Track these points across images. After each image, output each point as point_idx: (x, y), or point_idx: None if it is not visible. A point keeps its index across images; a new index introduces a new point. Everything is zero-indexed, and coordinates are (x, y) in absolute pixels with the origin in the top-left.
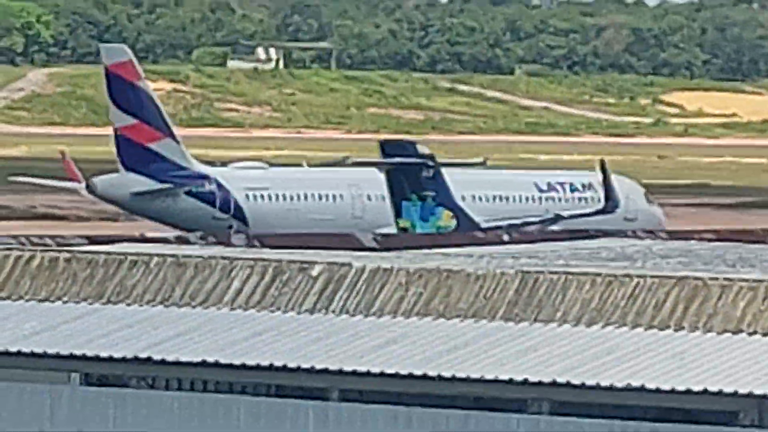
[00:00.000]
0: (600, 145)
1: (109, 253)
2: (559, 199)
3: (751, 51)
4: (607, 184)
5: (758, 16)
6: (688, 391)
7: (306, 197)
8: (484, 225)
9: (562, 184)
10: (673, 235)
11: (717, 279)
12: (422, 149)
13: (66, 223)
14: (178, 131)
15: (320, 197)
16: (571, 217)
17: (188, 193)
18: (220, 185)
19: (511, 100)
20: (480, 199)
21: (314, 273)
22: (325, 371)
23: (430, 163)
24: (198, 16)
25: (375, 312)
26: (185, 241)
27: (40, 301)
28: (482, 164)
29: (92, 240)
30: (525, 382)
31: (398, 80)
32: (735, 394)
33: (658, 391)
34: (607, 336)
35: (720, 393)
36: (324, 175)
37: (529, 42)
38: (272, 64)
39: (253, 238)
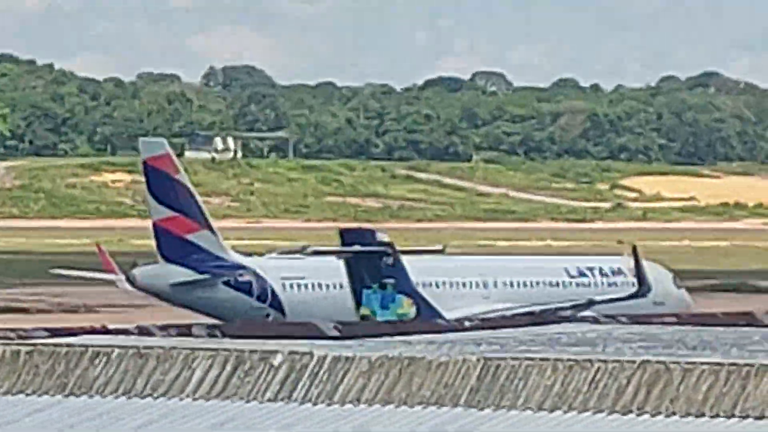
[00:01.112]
0: (559, 231)
1: (70, 345)
2: (590, 284)
3: (707, 134)
4: (639, 268)
5: (714, 99)
6: None
7: (341, 286)
8: (514, 312)
9: (591, 269)
10: (634, 320)
11: (678, 363)
12: (381, 237)
13: (27, 315)
14: (214, 223)
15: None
16: (604, 301)
17: (226, 284)
18: (257, 275)
19: (468, 186)
20: (511, 285)
21: (276, 362)
22: None
23: (389, 251)
24: (155, 107)
25: (337, 400)
26: (147, 332)
27: (2, 394)
28: (441, 252)
29: (53, 332)
30: None
31: (356, 169)
32: None
33: None
34: (569, 421)
35: None
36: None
37: (486, 129)
38: (230, 154)
39: (214, 329)
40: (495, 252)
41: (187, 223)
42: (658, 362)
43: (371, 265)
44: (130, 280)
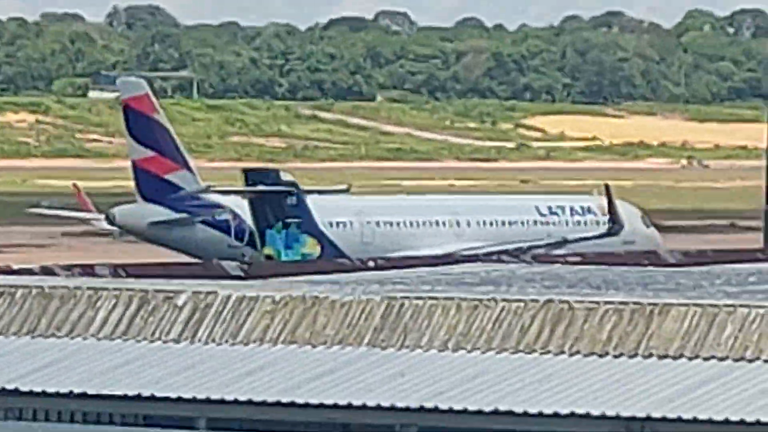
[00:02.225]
0: (462, 170)
1: None
2: (560, 222)
3: (611, 74)
4: (611, 207)
5: (618, 39)
6: (555, 415)
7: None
8: (488, 250)
9: (562, 207)
10: (538, 259)
11: (582, 302)
12: (285, 177)
13: None
14: (191, 161)
15: (330, 224)
16: (577, 240)
17: (204, 223)
18: (234, 214)
19: (372, 126)
20: (484, 224)
21: (180, 302)
22: (192, 400)
23: (294, 190)
24: (58, 47)
25: (241, 340)
26: (50, 272)
27: None
28: (346, 191)
29: None
30: (392, 408)
31: (260, 108)
32: (602, 416)
33: (525, 414)
34: (473, 360)
35: (587, 416)
36: (333, 204)
37: (390, 68)
38: None
39: (118, 268)
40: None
41: (165, 163)
42: (561, 301)
43: (275, 205)
44: (109, 219)
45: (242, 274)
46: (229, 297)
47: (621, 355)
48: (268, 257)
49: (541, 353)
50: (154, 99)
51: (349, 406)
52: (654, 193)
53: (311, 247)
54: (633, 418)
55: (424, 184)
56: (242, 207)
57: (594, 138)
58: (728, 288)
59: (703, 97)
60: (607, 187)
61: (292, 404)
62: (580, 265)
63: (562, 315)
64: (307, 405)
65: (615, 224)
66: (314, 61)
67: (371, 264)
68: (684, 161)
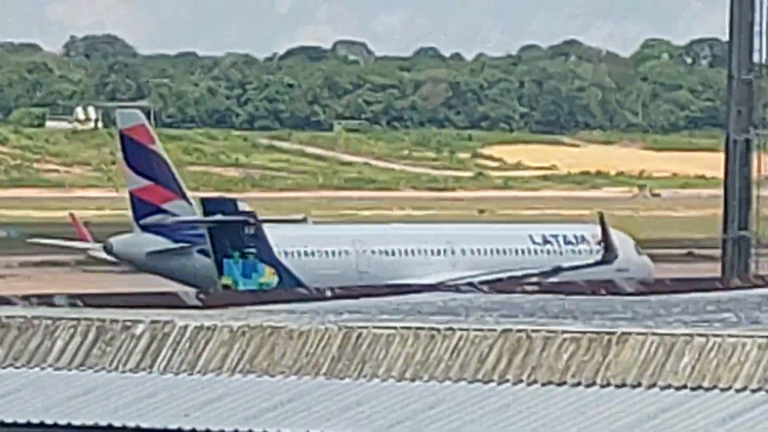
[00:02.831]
0: (420, 200)
1: None
2: (554, 251)
3: (568, 103)
4: (605, 236)
5: (575, 68)
6: None
7: (312, 254)
8: (483, 278)
9: (555, 236)
10: (496, 288)
11: (540, 331)
12: (243, 206)
13: None
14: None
15: (326, 253)
16: (571, 268)
17: (201, 252)
18: None
19: (330, 156)
20: (478, 252)
21: (137, 331)
22: (151, 430)
23: (251, 220)
24: (15, 77)
25: (199, 370)
26: (7, 302)
27: None
28: (303, 221)
29: None
30: None
31: (217, 138)
32: None
33: None
34: (430, 390)
35: None
36: (329, 233)
37: (348, 98)
38: (91, 124)
39: (75, 298)
40: (358, 220)
41: (162, 193)
42: (519, 330)
43: (233, 235)
44: (107, 249)
45: (200, 303)
46: (186, 326)
47: (579, 384)
48: (226, 287)
49: (499, 382)
50: (151, 129)
51: None
52: (611, 223)
53: (269, 277)
54: None
55: (381, 213)
56: None
57: (551, 167)
58: (686, 317)
59: (661, 126)
60: (601, 216)
61: None
62: (538, 294)
63: (520, 344)
64: None
65: (609, 252)
66: (272, 91)
67: (329, 293)
68: (635, 190)
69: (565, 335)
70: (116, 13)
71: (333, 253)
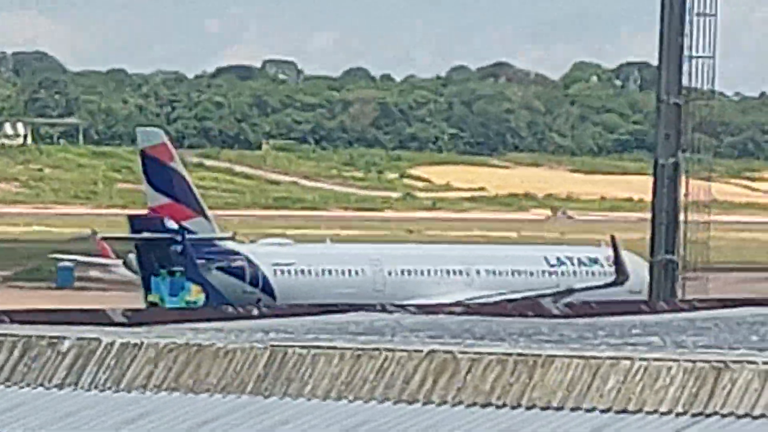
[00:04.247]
0: (348, 219)
1: None
2: (568, 273)
3: (497, 125)
4: (617, 258)
5: (504, 90)
6: None
7: (330, 272)
8: (497, 299)
9: (570, 258)
10: (422, 309)
11: (466, 352)
12: (171, 224)
13: None
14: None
15: (343, 272)
16: (583, 289)
17: (220, 269)
18: (249, 261)
19: (259, 174)
20: (494, 273)
21: (63, 348)
22: None
23: (179, 238)
24: None
25: (124, 387)
26: None
27: None
28: (231, 239)
29: None
30: None
31: None
32: None
33: None
34: (355, 410)
35: None
36: (346, 251)
37: (277, 117)
38: (20, 140)
39: (1, 314)
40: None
41: (182, 210)
42: (445, 351)
43: (160, 252)
44: (127, 266)
45: (126, 320)
46: (112, 343)
47: (504, 405)
48: (153, 304)
49: (424, 403)
50: (171, 148)
51: None
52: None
53: (196, 295)
54: None
55: (309, 233)
56: (257, 254)
57: (480, 188)
58: (612, 340)
59: (589, 149)
60: (613, 238)
61: None
62: (464, 315)
63: (446, 365)
64: None
65: (620, 274)
66: (201, 109)
67: (255, 312)
68: (549, 212)
69: (491, 357)
70: (46, 29)
71: (350, 272)
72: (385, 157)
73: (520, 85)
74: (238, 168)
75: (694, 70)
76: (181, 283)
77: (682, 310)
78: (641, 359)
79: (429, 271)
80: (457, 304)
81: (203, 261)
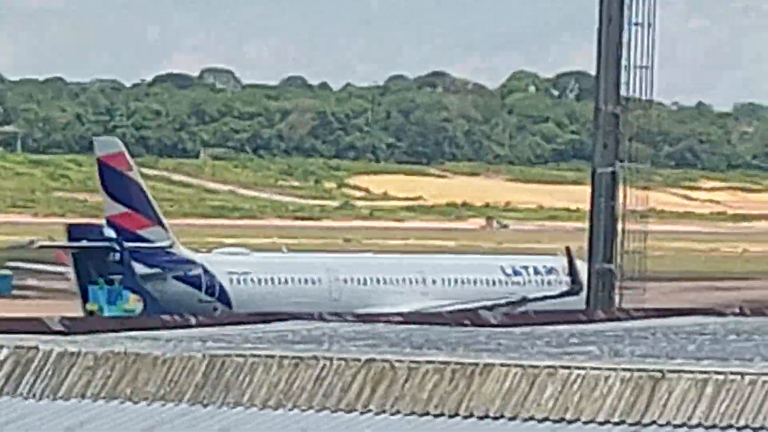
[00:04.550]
0: (286, 228)
1: None
2: (524, 282)
3: (435, 134)
4: (572, 268)
5: (442, 99)
6: None
7: (286, 281)
8: (452, 308)
9: (526, 267)
10: (361, 318)
11: (404, 361)
12: (108, 233)
13: None
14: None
15: (299, 281)
16: (538, 298)
17: (176, 278)
18: (205, 270)
19: (196, 183)
20: (449, 282)
21: (1, 357)
22: None
23: (117, 246)
24: None
25: (62, 396)
26: None
27: None
28: (169, 248)
29: None
30: None
31: (84, 164)
32: None
33: None
34: (294, 419)
35: None
36: (302, 260)
37: (214, 125)
38: None
39: None
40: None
41: (139, 219)
42: (383, 360)
43: (98, 261)
44: None
45: (64, 329)
46: (50, 352)
47: (442, 414)
48: (91, 313)
49: (362, 412)
50: (128, 157)
51: None
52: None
53: (133, 303)
54: None
55: (246, 242)
56: (213, 263)
57: (418, 197)
58: (549, 349)
59: (527, 158)
60: (567, 248)
61: None
62: (402, 324)
63: (384, 374)
64: None
65: (575, 284)
66: (139, 118)
67: (193, 321)
68: (482, 222)
69: (429, 365)
70: None
71: (306, 281)
72: (323, 167)
73: (457, 94)
74: (175, 177)
75: (631, 79)
76: (118, 292)
77: (620, 319)
78: (579, 368)
79: (385, 280)
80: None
81: (159, 270)
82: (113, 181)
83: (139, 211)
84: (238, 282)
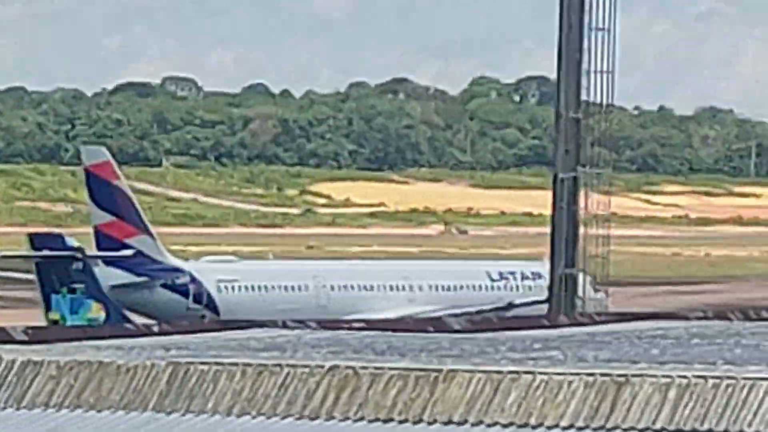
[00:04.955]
0: (249, 236)
1: None
2: (510, 287)
3: (397, 140)
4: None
5: (404, 105)
6: None
7: (273, 288)
8: (439, 314)
9: (512, 273)
10: (324, 324)
11: (367, 368)
12: (71, 242)
13: None
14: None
15: (286, 288)
16: (524, 304)
17: (164, 286)
18: (193, 278)
19: (159, 191)
20: (436, 288)
21: None
22: None
23: (79, 255)
24: None
25: (26, 405)
26: None
27: None
28: (132, 257)
29: None
30: None
31: (46, 173)
32: None
33: None
34: (258, 426)
35: None
36: (290, 267)
37: (177, 134)
38: None
39: None
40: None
41: (126, 228)
42: (347, 367)
43: (61, 270)
44: None
45: (27, 338)
46: (14, 361)
47: (406, 420)
48: (54, 322)
49: (326, 419)
50: (115, 166)
51: None
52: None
53: (96, 312)
54: None
55: (209, 249)
56: (200, 271)
57: (380, 204)
58: (513, 354)
59: (489, 164)
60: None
61: None
62: (365, 330)
63: (348, 381)
64: None
65: None
66: (100, 126)
67: (156, 329)
68: (441, 227)
69: (393, 372)
70: None
71: (293, 288)
72: (285, 174)
73: (419, 100)
74: (138, 185)
75: (592, 84)
76: (81, 301)
77: (583, 324)
78: (542, 373)
79: (372, 287)
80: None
81: (147, 278)
82: (100, 190)
83: (126, 219)
84: (226, 289)
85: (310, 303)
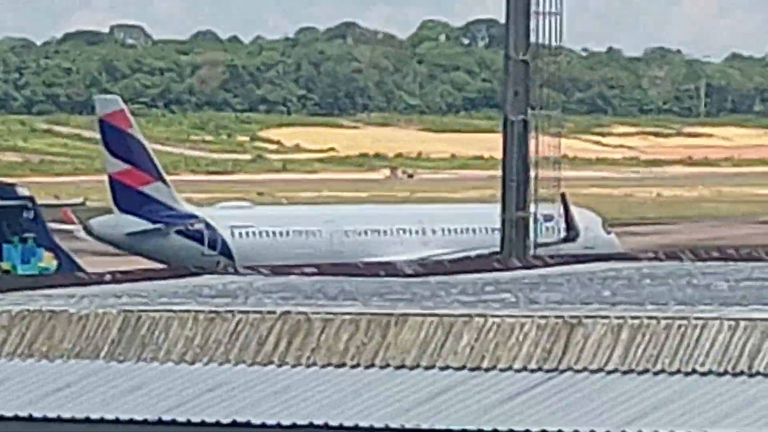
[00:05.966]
0: (199, 183)
1: None
2: None
3: (346, 85)
4: (567, 214)
5: (353, 50)
6: (294, 426)
7: (288, 233)
8: (453, 256)
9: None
10: (275, 270)
11: (319, 313)
12: (22, 191)
13: None
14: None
15: (300, 233)
16: (536, 246)
17: (178, 233)
18: (207, 224)
19: None
20: (449, 231)
21: None
22: None
23: (30, 204)
24: None
25: None
26: None
27: None
28: (82, 204)
29: None
30: (131, 421)
31: None
32: (340, 427)
33: (263, 426)
34: (211, 372)
35: (325, 426)
36: (303, 212)
37: (126, 82)
38: None
39: None
40: None
41: (141, 176)
42: (298, 313)
43: (12, 220)
44: (88, 230)
45: None
46: None
47: (358, 365)
48: (5, 272)
49: (279, 365)
50: (129, 114)
51: (87, 420)
52: (387, 204)
53: (48, 261)
54: (371, 428)
55: None
56: (215, 218)
57: (330, 149)
58: (464, 297)
59: (439, 108)
60: (563, 195)
61: (30, 418)
62: (317, 275)
63: (299, 326)
64: (45, 419)
65: (571, 231)
66: (49, 75)
67: (108, 277)
68: (387, 172)
69: (345, 317)
70: None
71: (308, 233)
72: (235, 120)
73: (368, 45)
74: (87, 134)
75: (541, 26)
76: (33, 250)
77: (534, 266)
78: (494, 316)
79: (386, 231)
80: (413, 261)
81: (162, 225)
82: (114, 139)
83: (140, 167)
84: (240, 235)
85: (324, 248)
